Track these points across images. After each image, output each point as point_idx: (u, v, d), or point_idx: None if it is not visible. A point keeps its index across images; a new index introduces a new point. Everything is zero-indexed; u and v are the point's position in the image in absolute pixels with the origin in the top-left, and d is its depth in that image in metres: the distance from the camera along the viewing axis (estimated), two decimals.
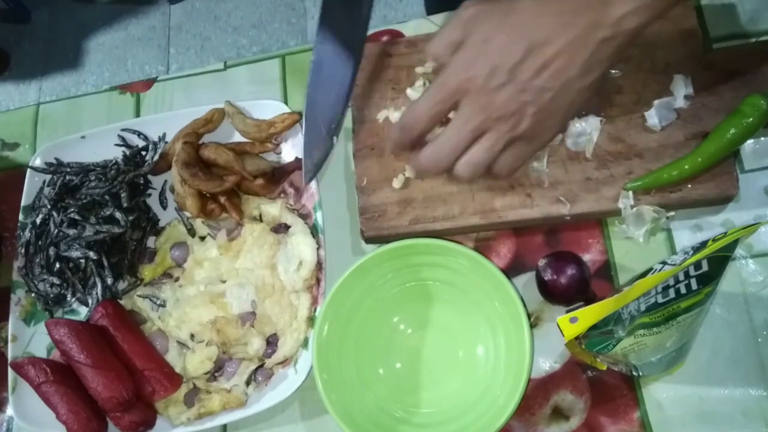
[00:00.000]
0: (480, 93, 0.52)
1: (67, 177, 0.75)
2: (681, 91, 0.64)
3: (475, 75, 0.52)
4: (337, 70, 0.63)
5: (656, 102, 0.64)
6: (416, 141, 0.59)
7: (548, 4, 0.51)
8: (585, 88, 0.53)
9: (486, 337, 0.65)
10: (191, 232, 0.73)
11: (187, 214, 0.73)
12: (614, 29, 0.49)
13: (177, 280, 0.72)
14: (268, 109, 0.75)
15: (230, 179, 0.71)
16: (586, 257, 0.65)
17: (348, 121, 0.74)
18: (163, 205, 0.77)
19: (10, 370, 0.71)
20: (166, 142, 0.76)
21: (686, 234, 0.65)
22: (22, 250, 0.75)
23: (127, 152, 0.77)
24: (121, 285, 0.73)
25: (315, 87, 0.64)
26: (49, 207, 0.74)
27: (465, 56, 0.53)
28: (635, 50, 0.66)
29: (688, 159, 0.61)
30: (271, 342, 0.69)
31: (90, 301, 0.72)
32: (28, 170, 0.78)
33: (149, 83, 0.86)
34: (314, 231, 0.70)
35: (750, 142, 0.65)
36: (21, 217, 0.77)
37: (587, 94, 0.53)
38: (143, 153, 0.77)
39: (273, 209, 0.72)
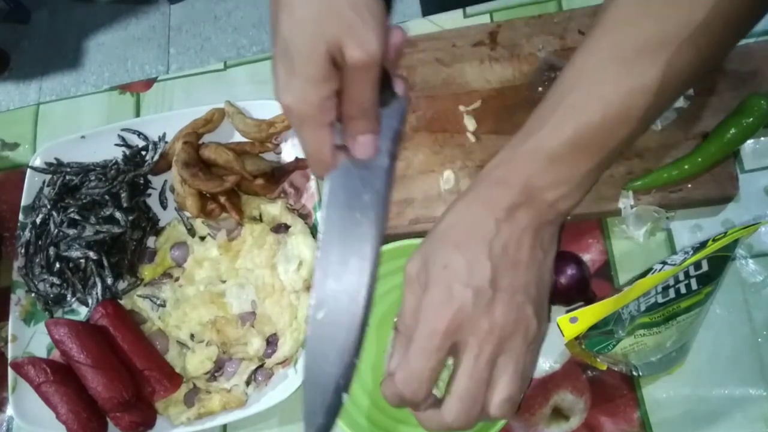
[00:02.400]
0: (476, 320, 0.46)
1: (67, 177, 0.75)
2: None
3: (462, 304, 0.46)
4: (344, 308, 0.50)
5: None
6: (424, 399, 0.49)
7: (477, 209, 0.48)
8: (552, 264, 0.51)
9: None
10: (191, 232, 0.73)
11: (187, 214, 0.73)
12: (554, 212, 0.48)
13: (177, 280, 0.72)
14: (268, 109, 0.75)
15: (230, 179, 0.71)
16: (586, 257, 0.65)
17: None
18: (163, 205, 0.77)
19: (10, 370, 0.71)
20: (166, 142, 0.76)
21: (686, 234, 0.65)
22: (22, 250, 0.75)
23: (127, 152, 0.77)
24: (121, 285, 0.73)
25: (315, 335, 0.50)
26: (49, 207, 0.74)
27: (436, 294, 0.47)
28: None
29: (688, 159, 0.61)
30: (271, 342, 0.69)
31: (90, 301, 0.72)
32: (28, 170, 0.78)
33: (149, 83, 0.86)
34: (314, 231, 0.70)
35: (750, 142, 0.65)
36: (21, 217, 0.77)
37: (552, 269, 0.51)
38: (143, 153, 0.77)
39: (273, 209, 0.72)
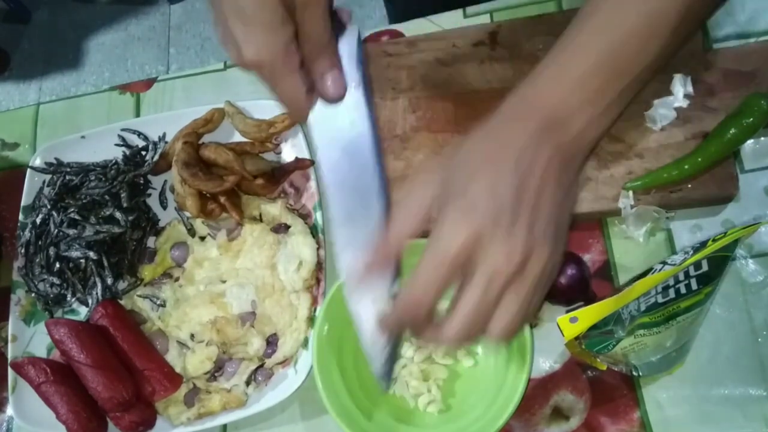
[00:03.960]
0: (491, 249, 0.45)
1: (67, 177, 0.75)
2: (681, 90, 0.64)
3: (478, 230, 0.44)
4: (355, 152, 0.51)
5: (656, 101, 0.64)
6: (425, 319, 0.48)
7: (499, 137, 0.48)
8: (575, 198, 0.50)
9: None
10: (191, 232, 0.73)
11: (187, 214, 0.73)
12: (579, 144, 0.48)
13: (177, 280, 0.72)
14: (268, 109, 0.75)
15: (230, 179, 0.71)
16: (586, 257, 0.65)
17: None
18: (163, 205, 0.77)
19: (10, 370, 0.71)
20: (166, 142, 0.76)
21: (686, 234, 0.65)
22: (22, 250, 0.75)
23: (127, 152, 0.77)
24: (121, 285, 0.73)
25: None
26: (49, 207, 0.74)
27: (455, 212, 0.46)
28: None
29: (688, 159, 0.61)
30: (271, 342, 0.69)
31: (90, 301, 0.72)
32: (28, 170, 0.78)
33: (149, 83, 0.86)
34: (314, 231, 0.70)
35: (750, 142, 0.65)
36: (21, 217, 0.77)
37: (575, 203, 0.51)
38: (143, 153, 0.77)
39: (273, 209, 0.72)
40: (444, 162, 0.49)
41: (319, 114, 0.51)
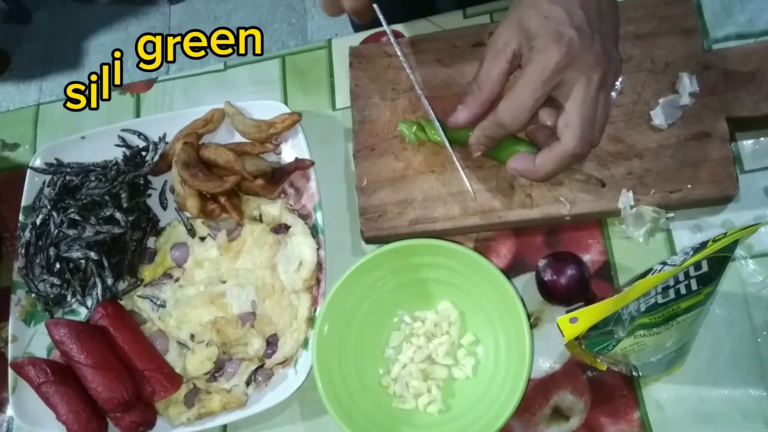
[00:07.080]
0: (583, 55, 0.54)
1: (67, 177, 0.75)
2: (686, 88, 0.63)
3: (569, 43, 0.54)
4: None
5: (662, 100, 0.64)
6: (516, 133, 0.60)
7: None
8: (617, 17, 0.60)
9: (486, 337, 0.65)
10: (191, 232, 0.73)
11: (188, 214, 0.73)
12: None
13: (177, 280, 0.72)
14: (268, 109, 0.75)
15: (230, 179, 0.71)
16: (586, 257, 0.65)
17: (348, 121, 0.74)
18: (163, 205, 0.77)
19: (10, 371, 0.71)
20: (166, 143, 0.76)
21: (686, 234, 0.65)
22: (22, 251, 0.75)
23: (127, 152, 0.77)
24: (121, 285, 0.73)
25: None
26: (49, 207, 0.74)
27: (545, 38, 0.54)
28: (635, 50, 0.66)
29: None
30: (271, 342, 0.69)
31: (90, 302, 0.72)
32: (28, 170, 0.78)
33: (149, 83, 0.86)
34: (314, 231, 0.70)
35: (750, 142, 0.65)
36: (21, 217, 0.77)
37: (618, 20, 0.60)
38: (143, 153, 0.77)
39: (273, 209, 0.72)
40: (512, 19, 0.58)
41: None
